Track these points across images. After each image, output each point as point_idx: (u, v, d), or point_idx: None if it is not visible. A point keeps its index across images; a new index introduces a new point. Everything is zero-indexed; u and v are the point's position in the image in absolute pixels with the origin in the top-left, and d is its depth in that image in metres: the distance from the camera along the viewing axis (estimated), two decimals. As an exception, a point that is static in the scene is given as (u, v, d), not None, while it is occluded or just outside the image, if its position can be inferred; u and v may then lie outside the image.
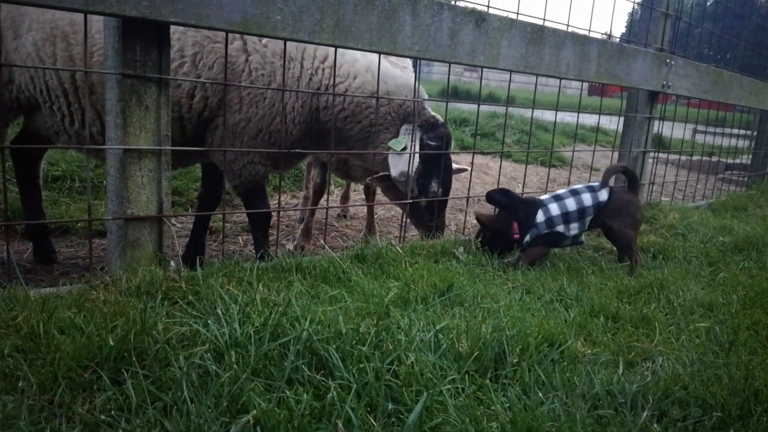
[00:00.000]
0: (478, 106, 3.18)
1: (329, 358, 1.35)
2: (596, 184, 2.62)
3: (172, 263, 1.94)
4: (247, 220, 3.29)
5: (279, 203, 2.77)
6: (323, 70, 2.51)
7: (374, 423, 1.17)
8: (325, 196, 3.26)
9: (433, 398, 1.26)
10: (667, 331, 1.86)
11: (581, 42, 3.08)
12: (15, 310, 1.46)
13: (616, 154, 4.11)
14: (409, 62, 3.36)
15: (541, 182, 5.87)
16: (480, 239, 2.64)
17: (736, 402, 1.35)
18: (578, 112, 3.63)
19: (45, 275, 2.62)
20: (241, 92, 2.38)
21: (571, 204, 2.54)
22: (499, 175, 3.72)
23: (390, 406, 1.23)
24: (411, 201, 2.71)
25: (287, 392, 1.22)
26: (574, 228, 2.55)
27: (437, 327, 1.59)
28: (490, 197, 2.61)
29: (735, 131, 6.63)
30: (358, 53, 2.60)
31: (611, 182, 2.68)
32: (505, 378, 1.42)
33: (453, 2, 2.49)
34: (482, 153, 6.63)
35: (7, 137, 2.73)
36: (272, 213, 2.67)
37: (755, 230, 3.37)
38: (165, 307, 1.60)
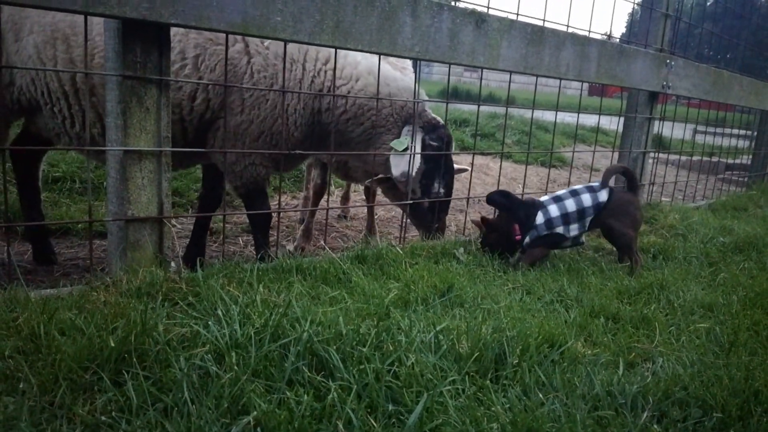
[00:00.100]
0: (478, 107, 3.17)
1: (330, 359, 1.35)
2: (596, 184, 2.62)
3: (173, 264, 1.94)
4: (247, 221, 3.29)
5: (279, 204, 2.77)
6: (326, 72, 2.52)
7: (375, 424, 1.17)
8: (326, 197, 3.27)
9: (434, 399, 1.26)
10: (668, 331, 1.86)
11: (581, 42, 3.08)
12: (16, 312, 1.46)
13: (616, 155, 4.11)
14: (408, 63, 3.36)
15: (542, 183, 5.87)
16: (482, 241, 2.64)
17: (736, 403, 1.35)
18: (578, 113, 3.63)
19: (45, 276, 2.62)
20: (243, 94, 2.39)
21: (570, 205, 2.55)
22: (499, 176, 3.72)
23: (390, 407, 1.23)
24: (412, 202, 2.72)
25: (288, 393, 1.23)
26: (574, 229, 2.55)
27: (437, 328, 1.59)
28: (490, 199, 2.61)
29: (735, 131, 6.63)
30: (359, 56, 2.61)
31: (611, 182, 2.68)
32: (505, 379, 1.42)
33: (453, 3, 2.49)
34: (482, 153, 6.63)
35: (9, 139, 2.73)
36: (272, 214, 2.67)
37: (755, 231, 3.37)
38: (165, 309, 1.60)
